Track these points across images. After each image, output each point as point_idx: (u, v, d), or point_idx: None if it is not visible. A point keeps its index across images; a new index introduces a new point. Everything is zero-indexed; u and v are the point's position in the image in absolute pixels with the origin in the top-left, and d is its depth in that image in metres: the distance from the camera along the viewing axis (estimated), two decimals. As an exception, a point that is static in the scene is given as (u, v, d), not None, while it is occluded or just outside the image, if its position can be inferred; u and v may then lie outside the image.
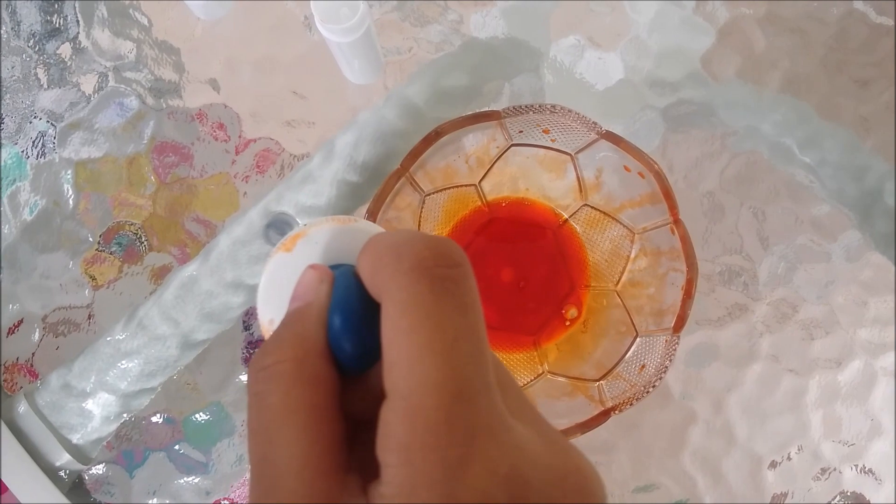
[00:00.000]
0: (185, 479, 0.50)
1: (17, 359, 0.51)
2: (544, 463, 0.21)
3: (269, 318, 0.26)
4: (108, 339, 0.50)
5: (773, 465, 0.49)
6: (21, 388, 0.50)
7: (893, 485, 0.49)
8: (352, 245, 0.27)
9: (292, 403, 0.21)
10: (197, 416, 0.50)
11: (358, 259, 0.24)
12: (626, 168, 0.42)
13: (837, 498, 0.49)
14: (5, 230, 0.52)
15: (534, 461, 0.20)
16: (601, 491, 0.22)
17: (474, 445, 0.19)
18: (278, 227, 0.50)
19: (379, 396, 0.23)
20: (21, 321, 0.51)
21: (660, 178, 0.40)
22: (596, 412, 0.39)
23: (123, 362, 0.50)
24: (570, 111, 0.41)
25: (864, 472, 0.49)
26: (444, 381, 0.20)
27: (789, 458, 0.49)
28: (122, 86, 0.53)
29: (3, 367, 0.51)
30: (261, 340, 0.50)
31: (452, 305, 0.21)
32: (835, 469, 0.49)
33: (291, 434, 0.21)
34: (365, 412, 0.23)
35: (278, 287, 0.26)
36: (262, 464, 0.21)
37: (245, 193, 0.52)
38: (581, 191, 0.46)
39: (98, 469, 0.50)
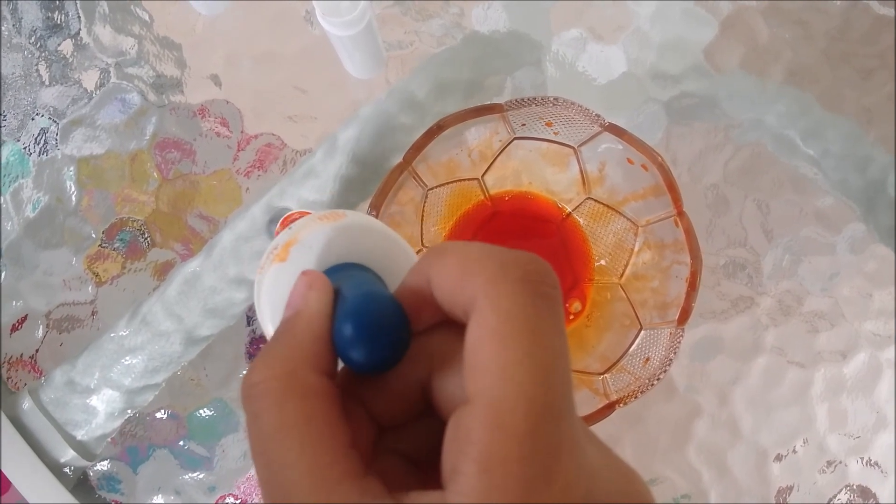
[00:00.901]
0: (190, 474, 0.50)
1: (21, 355, 0.51)
2: (613, 487, 0.21)
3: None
4: (112, 335, 0.50)
5: (779, 458, 0.49)
6: (25, 384, 0.50)
7: (899, 477, 0.49)
8: (350, 243, 0.26)
9: (288, 419, 0.21)
10: (201, 412, 0.50)
11: (432, 260, 0.22)
12: (629, 161, 0.42)
13: (843, 491, 0.49)
14: (8, 227, 0.52)
15: (606, 487, 0.20)
16: None
17: (558, 464, 0.19)
18: (281, 219, 0.50)
19: (405, 400, 0.23)
20: (25, 318, 0.51)
21: (663, 170, 0.40)
22: (600, 405, 0.39)
23: (127, 358, 0.50)
24: (572, 103, 0.41)
25: (870, 465, 0.49)
26: (540, 394, 0.19)
27: (795, 451, 0.49)
28: (124, 82, 0.53)
29: (6, 363, 0.51)
30: (263, 337, 0.50)
31: (552, 323, 0.20)
32: (840, 462, 0.49)
33: (293, 451, 0.20)
34: (388, 416, 0.23)
35: (278, 300, 0.25)
36: (270, 484, 0.20)
37: (247, 189, 0.52)
38: (584, 184, 0.46)
39: (102, 465, 0.50)
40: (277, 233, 0.34)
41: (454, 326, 0.22)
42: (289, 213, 0.40)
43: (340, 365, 0.23)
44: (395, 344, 0.22)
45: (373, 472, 0.21)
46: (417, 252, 0.45)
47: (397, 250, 0.27)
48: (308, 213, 0.36)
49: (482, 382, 0.19)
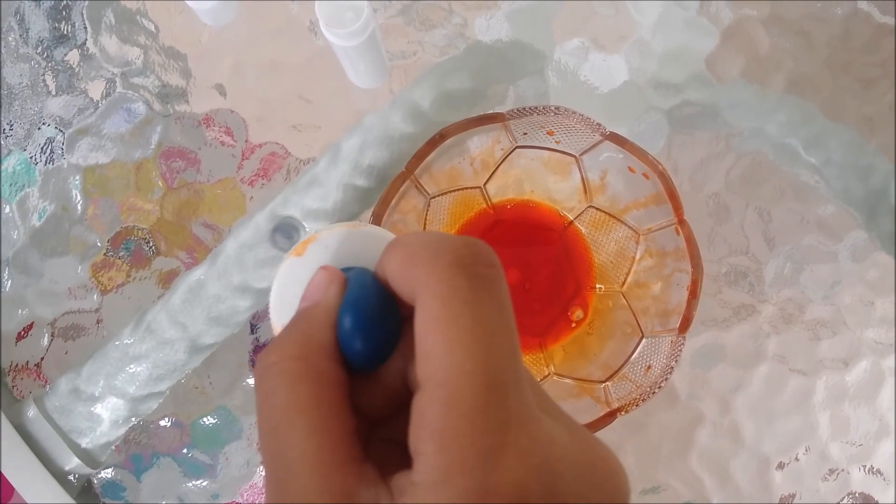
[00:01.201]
0: (193, 482, 0.50)
1: (27, 363, 0.51)
2: (573, 455, 0.21)
3: (282, 323, 0.26)
4: (117, 343, 0.50)
5: (781, 465, 0.49)
6: (30, 392, 0.51)
7: (902, 485, 0.49)
8: (363, 248, 0.27)
9: (300, 400, 0.21)
10: (204, 420, 0.50)
11: (384, 255, 0.24)
12: (630, 169, 0.42)
13: (846, 499, 0.49)
14: (14, 235, 0.52)
15: (563, 454, 0.21)
16: (625, 481, 0.23)
17: (509, 434, 0.20)
18: (285, 231, 0.51)
19: (392, 393, 0.24)
20: (30, 326, 0.51)
21: (664, 178, 0.40)
22: (602, 413, 0.39)
23: (132, 366, 0.50)
24: (573, 112, 0.41)
25: (873, 473, 0.49)
26: (481, 370, 0.20)
27: (797, 459, 0.49)
28: (130, 92, 0.53)
29: (11, 371, 0.51)
30: (266, 345, 0.50)
31: (489, 302, 0.21)
32: (843, 470, 0.49)
33: (301, 430, 0.21)
34: (377, 409, 0.24)
35: (290, 292, 0.26)
36: (275, 461, 0.21)
37: (252, 198, 0.52)
38: (586, 192, 0.46)
39: (107, 473, 0.50)
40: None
41: None
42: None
43: None
44: (388, 337, 0.24)
45: (368, 459, 0.22)
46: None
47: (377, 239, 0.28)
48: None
49: (430, 367, 0.21)
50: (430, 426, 0.20)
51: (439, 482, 0.19)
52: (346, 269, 0.27)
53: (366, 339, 0.24)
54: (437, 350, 0.21)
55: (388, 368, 0.24)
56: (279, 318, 0.27)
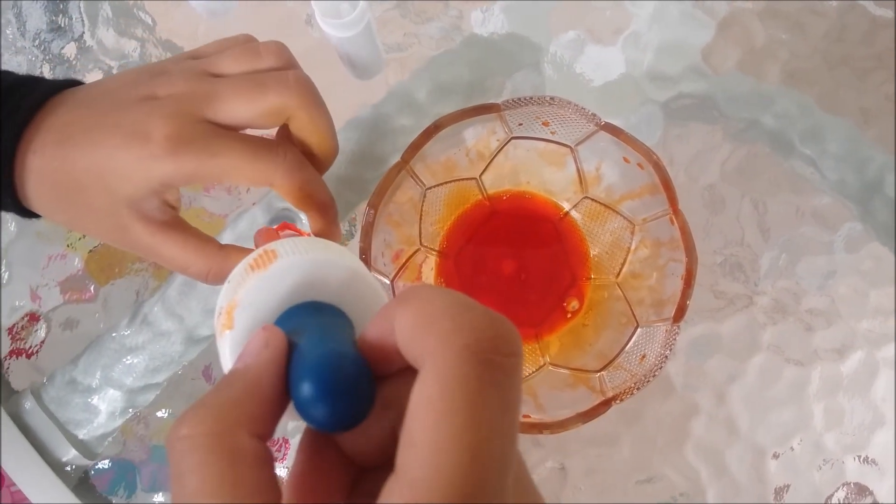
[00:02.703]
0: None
1: (24, 355, 0.51)
2: None
3: (219, 306, 0.24)
4: (114, 335, 0.50)
5: (776, 456, 0.49)
6: (28, 384, 0.51)
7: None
8: (297, 283, 0.24)
9: (213, 483, 0.19)
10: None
11: (397, 310, 0.21)
12: (625, 159, 0.42)
13: (840, 489, 0.49)
14: (11, 227, 0.52)
15: None
16: None
17: None
18: (281, 221, 0.51)
19: (381, 443, 0.22)
20: (27, 317, 0.52)
21: (658, 168, 0.41)
22: (597, 402, 0.40)
23: (129, 358, 0.50)
24: (568, 103, 0.41)
25: (867, 463, 0.49)
26: (461, 482, 0.18)
27: (792, 450, 0.49)
28: (127, 84, 0.53)
29: (8, 362, 0.51)
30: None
31: (497, 400, 0.19)
32: (837, 460, 0.49)
33: None
34: (366, 458, 0.22)
35: (249, 317, 0.24)
36: None
37: (248, 190, 0.52)
38: (581, 183, 0.46)
39: (104, 464, 0.50)
40: (257, 244, 0.36)
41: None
42: (282, 223, 0.40)
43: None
44: (356, 405, 0.21)
45: None
46: (415, 251, 0.46)
47: (354, 279, 0.25)
48: (289, 224, 0.37)
49: (409, 457, 0.18)
50: None
51: None
52: (294, 310, 0.24)
53: (329, 407, 0.20)
54: (421, 441, 0.18)
55: (374, 420, 0.21)
56: (231, 351, 0.24)
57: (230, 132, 0.32)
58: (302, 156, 0.35)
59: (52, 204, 0.32)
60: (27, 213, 0.34)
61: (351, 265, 0.25)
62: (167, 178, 0.31)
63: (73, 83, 0.34)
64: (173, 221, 0.34)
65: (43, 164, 0.31)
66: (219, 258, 0.35)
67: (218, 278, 0.35)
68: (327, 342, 0.22)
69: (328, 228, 0.36)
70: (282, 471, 0.49)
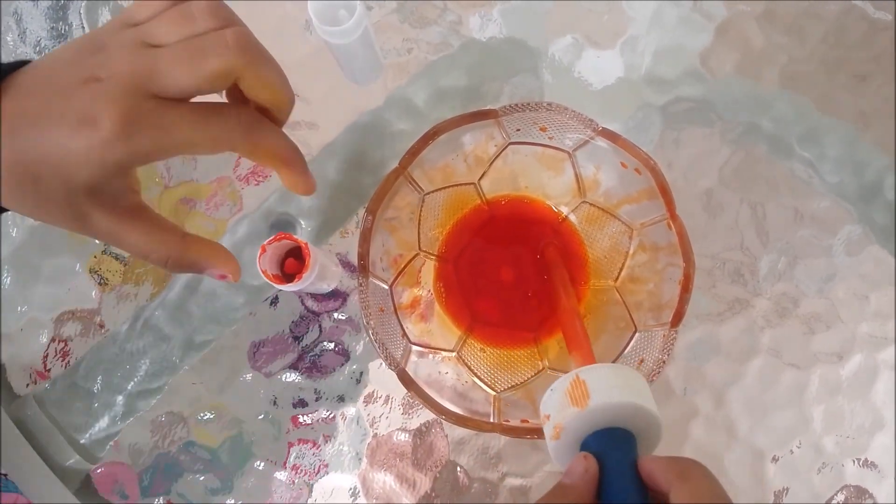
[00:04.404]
0: (192, 477, 0.50)
1: (26, 360, 0.52)
2: None
3: (546, 414, 0.33)
4: (115, 340, 0.51)
5: (775, 459, 0.49)
6: (30, 389, 0.51)
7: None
8: (606, 417, 0.31)
9: None
10: (202, 415, 0.50)
11: (681, 483, 0.28)
12: (622, 164, 0.43)
13: (840, 492, 0.49)
14: (13, 234, 0.52)
15: None
16: None
17: None
18: (281, 227, 0.51)
19: None
20: (29, 323, 0.52)
21: (656, 173, 0.41)
22: (595, 406, 0.40)
23: (129, 363, 0.50)
24: (565, 109, 0.41)
25: (867, 466, 0.49)
26: None
27: (791, 453, 0.49)
28: (127, 90, 0.53)
29: (11, 368, 0.52)
30: (320, 348, 0.51)
31: None
32: (837, 463, 0.49)
33: None
34: None
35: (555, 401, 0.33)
36: None
37: (248, 195, 0.52)
38: (579, 188, 0.46)
39: (105, 468, 0.50)
40: (260, 264, 0.40)
41: None
42: (278, 234, 0.41)
43: None
44: None
45: None
46: (414, 256, 0.46)
47: (643, 411, 0.32)
48: (291, 235, 0.40)
49: None
50: None
51: None
52: (600, 433, 0.31)
53: None
54: None
55: None
56: (555, 454, 0.33)
57: (179, 103, 0.31)
58: (257, 113, 0.34)
59: (11, 195, 0.32)
60: None
61: (644, 404, 0.31)
62: (123, 160, 0.30)
63: (22, 64, 0.33)
64: (134, 207, 0.34)
65: None
66: (180, 247, 0.35)
67: (177, 266, 0.35)
68: (625, 477, 0.30)
69: (299, 180, 0.36)
70: None
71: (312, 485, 0.50)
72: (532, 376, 0.45)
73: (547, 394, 0.34)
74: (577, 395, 0.32)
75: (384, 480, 0.49)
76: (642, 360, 0.41)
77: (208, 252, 0.36)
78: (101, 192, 0.32)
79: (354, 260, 0.51)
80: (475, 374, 0.45)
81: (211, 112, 0.32)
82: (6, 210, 0.33)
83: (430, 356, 0.45)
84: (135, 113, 0.30)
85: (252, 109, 0.34)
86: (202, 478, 0.50)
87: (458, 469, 0.49)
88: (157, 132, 0.30)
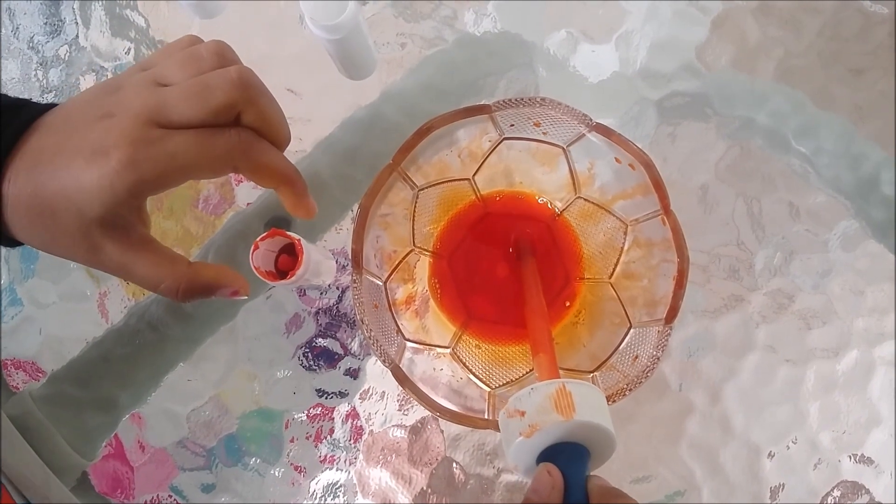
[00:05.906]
0: (188, 473, 0.50)
1: (22, 356, 0.52)
2: None
3: (520, 409, 0.34)
4: (111, 336, 0.51)
5: (771, 455, 0.49)
6: (26, 385, 0.51)
7: (892, 473, 0.49)
8: (572, 432, 0.32)
9: None
10: (198, 411, 0.50)
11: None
12: (617, 160, 0.42)
13: (836, 488, 0.49)
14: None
15: None
16: None
17: None
18: (276, 223, 0.51)
19: None
20: (25, 319, 0.52)
21: (650, 168, 0.41)
22: (589, 403, 0.40)
23: (126, 359, 0.50)
24: (559, 104, 0.41)
25: (863, 462, 0.49)
26: None
27: (787, 448, 0.49)
28: (120, 86, 0.53)
29: (7, 364, 0.52)
30: (314, 344, 0.51)
31: None
32: (833, 459, 0.49)
33: None
34: None
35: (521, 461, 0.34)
36: None
37: (243, 191, 0.52)
38: (574, 183, 0.46)
39: (102, 465, 0.50)
40: (253, 260, 0.40)
41: None
42: (271, 230, 0.41)
43: None
44: None
45: None
46: (408, 252, 0.46)
47: (599, 432, 0.33)
48: (284, 231, 0.40)
49: None
50: None
51: None
52: (559, 446, 0.32)
53: None
54: None
55: None
56: (516, 453, 0.33)
57: (183, 130, 0.33)
58: (255, 134, 0.35)
59: (28, 229, 0.33)
60: (10, 241, 0.35)
61: (612, 432, 0.33)
62: (133, 188, 0.32)
63: (52, 106, 0.35)
64: (144, 239, 0.35)
65: (17, 190, 0.32)
66: (189, 274, 0.36)
67: (189, 292, 0.36)
68: (582, 493, 0.31)
69: (299, 202, 0.38)
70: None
71: (308, 482, 0.50)
72: (527, 373, 0.45)
73: (525, 391, 0.34)
74: (563, 404, 0.33)
75: (380, 477, 0.49)
76: (637, 357, 0.41)
77: (216, 274, 0.37)
78: (114, 224, 0.33)
79: (349, 256, 0.50)
80: (470, 371, 0.45)
81: (212, 132, 0.33)
82: (20, 244, 0.35)
83: (425, 353, 0.45)
84: (142, 142, 0.31)
85: (250, 130, 0.35)
86: (199, 474, 0.50)
87: (454, 465, 0.49)
88: (163, 157, 0.32)
